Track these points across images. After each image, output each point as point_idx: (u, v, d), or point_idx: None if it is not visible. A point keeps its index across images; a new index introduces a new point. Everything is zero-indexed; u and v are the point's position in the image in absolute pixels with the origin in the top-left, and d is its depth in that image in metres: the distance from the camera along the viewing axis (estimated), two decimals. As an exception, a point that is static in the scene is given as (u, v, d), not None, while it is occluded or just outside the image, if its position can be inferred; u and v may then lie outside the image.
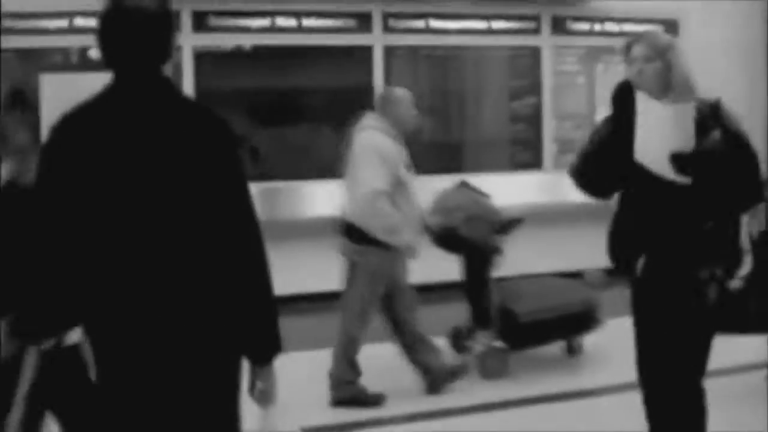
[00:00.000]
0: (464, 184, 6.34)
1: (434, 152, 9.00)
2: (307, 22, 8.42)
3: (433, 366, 5.54)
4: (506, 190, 9.05)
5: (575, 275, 7.12)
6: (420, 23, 8.86)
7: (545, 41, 9.29)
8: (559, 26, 9.34)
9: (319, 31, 8.45)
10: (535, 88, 9.33)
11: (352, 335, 5.38)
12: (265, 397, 2.56)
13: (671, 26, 9.74)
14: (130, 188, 2.37)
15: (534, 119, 9.33)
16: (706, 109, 3.37)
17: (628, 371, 3.80)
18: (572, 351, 6.28)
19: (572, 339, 6.26)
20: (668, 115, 3.33)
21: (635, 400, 3.69)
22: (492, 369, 5.87)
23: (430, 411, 5.31)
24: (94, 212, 2.38)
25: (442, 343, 6.10)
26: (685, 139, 3.26)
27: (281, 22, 8.30)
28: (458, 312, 6.31)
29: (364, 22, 8.61)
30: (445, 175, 8.90)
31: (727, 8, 9.94)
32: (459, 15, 8.98)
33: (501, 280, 6.05)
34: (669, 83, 3.41)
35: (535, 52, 9.25)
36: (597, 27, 9.52)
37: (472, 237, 5.91)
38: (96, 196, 2.38)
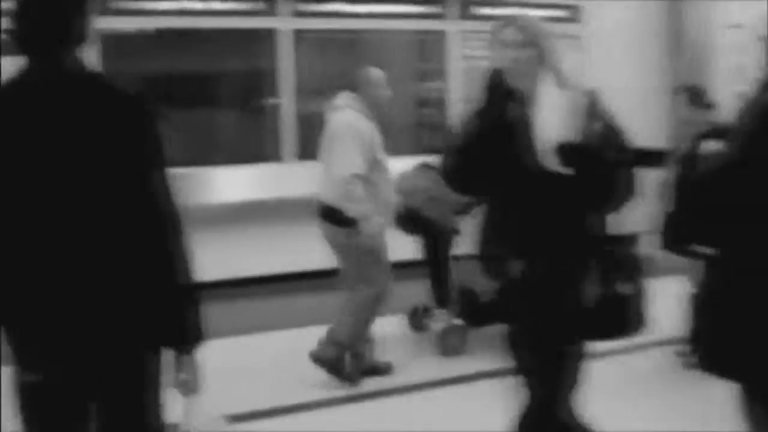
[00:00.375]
0: (425, 166, 6.47)
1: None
2: (213, 4, 8.30)
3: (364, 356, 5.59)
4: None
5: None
6: (328, 7, 8.82)
7: (451, 26, 9.34)
8: (465, 11, 9.40)
9: (226, 14, 8.33)
10: (442, 73, 9.38)
11: (368, 313, 5.46)
12: (187, 387, 2.53)
13: (574, 12, 9.91)
14: (35, 169, 2.34)
15: (440, 103, 9.39)
16: (585, 99, 3.29)
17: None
18: None
19: None
20: (562, 103, 3.23)
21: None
22: (451, 346, 6.06)
23: (393, 387, 5.48)
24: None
25: (400, 320, 6.41)
26: (574, 129, 3.16)
27: (187, 4, 8.16)
28: (416, 291, 6.47)
29: (271, 5, 8.53)
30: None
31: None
32: (366, -1, 8.98)
33: (459, 259, 6.15)
34: (543, 72, 3.28)
35: (441, 37, 9.30)
36: (503, 11, 9.60)
37: (433, 217, 6.03)
38: (1, 177, 2.34)
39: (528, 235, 3.35)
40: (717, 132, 5.16)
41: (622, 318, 3.58)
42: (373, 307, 5.48)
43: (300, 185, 8.65)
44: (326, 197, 5.40)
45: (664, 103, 9.74)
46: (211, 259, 7.76)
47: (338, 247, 5.46)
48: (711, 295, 3.27)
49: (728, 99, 8.63)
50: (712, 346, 3.29)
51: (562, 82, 3.32)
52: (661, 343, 5.78)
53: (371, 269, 5.41)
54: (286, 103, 8.61)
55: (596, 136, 3.16)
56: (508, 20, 3.47)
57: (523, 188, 3.27)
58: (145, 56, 8.14)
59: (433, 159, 6.61)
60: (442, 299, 6.27)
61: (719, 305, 3.23)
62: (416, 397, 5.33)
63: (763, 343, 3.12)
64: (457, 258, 6.19)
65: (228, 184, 8.48)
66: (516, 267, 3.37)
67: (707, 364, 3.33)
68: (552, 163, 3.16)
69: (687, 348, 5.37)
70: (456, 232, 6.13)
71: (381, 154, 5.38)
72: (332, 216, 5.35)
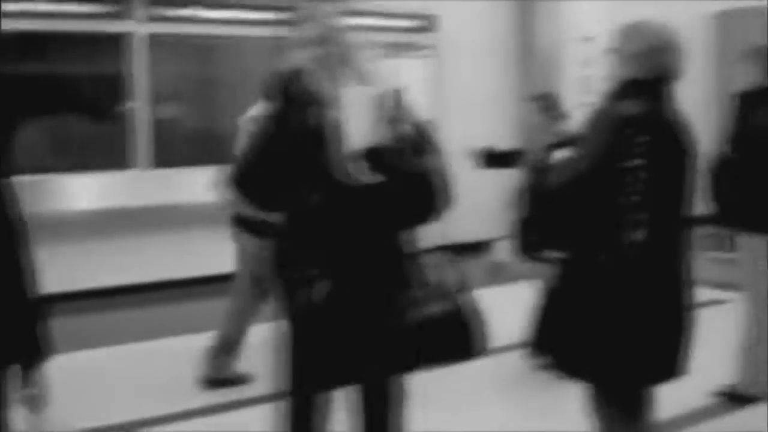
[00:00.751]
0: None
1: (198, 143, 8.86)
2: (65, 7, 8.04)
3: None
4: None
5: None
6: (184, 12, 8.67)
7: (308, 33, 9.32)
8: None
9: (79, 17, 8.09)
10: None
11: None
12: (33, 403, 2.44)
13: (429, 21, 10.04)
14: None
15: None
16: (391, 99, 3.01)
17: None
18: None
19: None
20: (367, 104, 2.91)
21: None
22: None
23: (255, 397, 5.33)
24: None
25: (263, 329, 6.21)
26: (381, 133, 2.88)
27: (38, 6, 7.89)
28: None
29: (126, 9, 8.33)
30: (209, 167, 8.80)
31: (481, 5, 10.35)
32: (223, 4, 8.87)
33: None
34: (345, 69, 2.94)
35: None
36: (357, 20, 9.64)
37: None
38: None
39: (335, 253, 3.06)
40: (567, 142, 5.31)
41: (443, 341, 3.24)
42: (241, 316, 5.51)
43: (155, 193, 8.49)
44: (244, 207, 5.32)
45: (514, 111, 9.98)
46: (62, 270, 7.56)
47: (252, 257, 5.38)
48: (559, 300, 3.36)
49: (576, 109, 8.96)
50: (561, 349, 3.38)
51: (365, 81, 3.00)
52: (512, 347, 5.91)
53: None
54: (141, 108, 8.43)
55: (406, 140, 2.92)
56: (303, 15, 3.24)
57: (329, 200, 2.97)
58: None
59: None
60: None
61: (567, 309, 3.32)
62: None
63: (607, 346, 3.22)
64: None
65: (79, 191, 8.23)
66: (321, 288, 3.02)
67: (558, 367, 3.42)
68: (360, 171, 2.90)
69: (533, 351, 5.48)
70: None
71: None
72: (250, 226, 5.29)
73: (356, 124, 2.85)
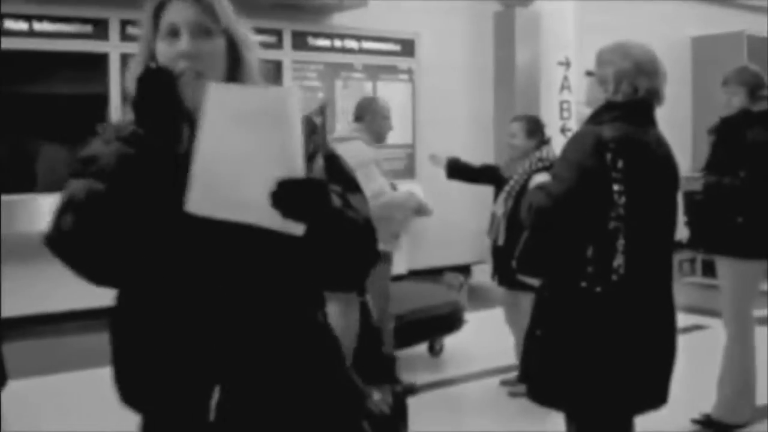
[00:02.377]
0: None
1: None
2: (38, 26, 7.96)
3: None
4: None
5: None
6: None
7: (287, 55, 9.30)
8: (300, 41, 9.38)
9: (55, 36, 8.01)
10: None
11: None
12: None
13: (409, 45, 10.04)
14: None
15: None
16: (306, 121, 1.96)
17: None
18: (434, 351, 6.47)
19: (435, 340, 6.51)
20: (262, 109, 1.73)
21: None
22: None
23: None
24: None
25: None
26: (295, 151, 1.75)
27: (10, 25, 7.79)
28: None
29: (100, 29, 8.25)
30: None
31: (460, 29, 10.36)
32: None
33: None
34: (234, 68, 1.98)
35: (277, 67, 9.23)
36: (337, 43, 9.63)
37: None
38: None
39: (227, 348, 1.94)
40: (549, 167, 5.30)
41: None
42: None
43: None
44: None
45: (493, 134, 9.97)
46: (36, 291, 7.45)
47: None
48: (540, 327, 3.31)
49: (556, 134, 8.96)
50: (541, 377, 3.33)
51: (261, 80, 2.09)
52: (493, 373, 5.86)
53: (378, 295, 5.30)
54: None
55: (319, 172, 1.94)
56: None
57: (194, 267, 1.89)
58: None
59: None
60: None
61: (547, 337, 3.27)
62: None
63: (588, 374, 3.17)
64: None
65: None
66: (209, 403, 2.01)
67: (538, 395, 3.37)
68: (269, 217, 1.75)
69: (513, 377, 5.44)
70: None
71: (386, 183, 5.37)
72: None
73: (252, 142, 1.73)
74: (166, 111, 1.82)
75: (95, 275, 1.90)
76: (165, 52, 1.93)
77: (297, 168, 1.74)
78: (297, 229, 1.76)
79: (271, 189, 1.71)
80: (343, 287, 2.27)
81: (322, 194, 1.78)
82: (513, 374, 5.74)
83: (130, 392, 1.95)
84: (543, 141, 5.58)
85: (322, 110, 2.01)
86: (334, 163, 2.04)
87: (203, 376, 1.89)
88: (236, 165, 1.76)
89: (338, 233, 1.83)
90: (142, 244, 1.83)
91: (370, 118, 5.45)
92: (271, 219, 1.75)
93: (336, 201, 1.83)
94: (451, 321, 6.42)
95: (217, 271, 1.89)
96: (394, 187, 5.31)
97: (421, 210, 5.46)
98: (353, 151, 5.27)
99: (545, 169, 4.71)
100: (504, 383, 5.74)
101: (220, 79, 1.94)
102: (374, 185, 5.11)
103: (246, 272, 1.89)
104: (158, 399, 1.91)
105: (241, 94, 1.81)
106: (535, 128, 5.59)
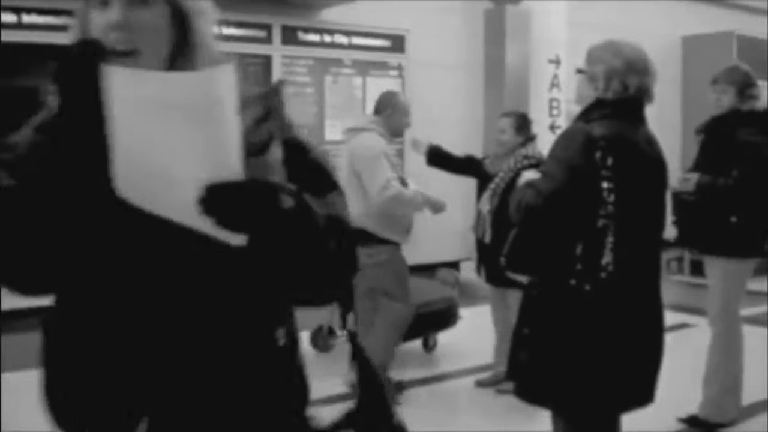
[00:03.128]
0: None
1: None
2: (27, 18, 7.92)
3: None
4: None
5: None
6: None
7: (276, 50, 9.27)
8: (289, 36, 9.36)
9: (42, 29, 7.97)
10: (266, 97, 9.27)
11: (401, 325, 5.45)
12: None
13: (398, 41, 10.03)
14: None
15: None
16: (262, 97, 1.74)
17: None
18: (428, 347, 6.47)
19: (429, 336, 6.54)
20: (181, 98, 1.45)
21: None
22: None
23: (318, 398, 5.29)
24: None
25: (304, 338, 6.33)
26: (227, 147, 1.47)
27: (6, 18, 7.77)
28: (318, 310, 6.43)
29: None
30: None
31: (451, 26, 10.36)
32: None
33: None
34: (181, 44, 1.64)
35: (266, 61, 9.21)
36: (327, 38, 9.62)
37: None
38: None
39: (157, 369, 1.71)
40: (536, 164, 5.29)
41: None
42: (404, 324, 5.46)
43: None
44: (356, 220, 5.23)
45: (482, 130, 9.97)
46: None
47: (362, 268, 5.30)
48: (528, 325, 3.31)
49: (545, 131, 8.96)
50: (529, 375, 3.32)
51: (213, 58, 1.71)
52: (481, 369, 5.86)
53: (396, 285, 5.39)
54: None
55: (273, 165, 1.62)
56: None
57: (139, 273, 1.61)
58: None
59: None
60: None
61: (535, 334, 3.26)
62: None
63: (576, 372, 3.16)
64: None
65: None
66: None
67: (525, 393, 3.36)
68: (199, 221, 1.48)
69: (500, 375, 5.44)
70: None
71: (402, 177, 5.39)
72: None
73: (177, 134, 1.45)
74: (87, 92, 1.46)
75: (12, 281, 1.62)
76: (97, 23, 1.59)
77: (230, 167, 1.44)
78: (235, 239, 1.49)
79: (198, 194, 1.42)
80: (308, 301, 1.77)
81: (263, 199, 1.49)
82: (488, 374, 5.77)
83: (56, 412, 1.67)
84: (529, 138, 5.58)
85: (276, 90, 1.61)
86: (299, 152, 1.70)
87: (129, 404, 1.60)
88: (159, 162, 1.46)
89: (290, 241, 1.53)
90: (62, 246, 1.55)
91: (390, 112, 5.45)
92: (204, 225, 1.47)
93: (288, 202, 1.52)
94: (446, 317, 6.43)
95: (148, 278, 1.58)
96: (403, 182, 5.30)
97: (434, 207, 5.48)
98: (366, 142, 5.28)
99: (531, 166, 4.71)
100: (480, 384, 5.74)
101: (163, 55, 1.61)
102: (381, 178, 5.12)
103: (183, 281, 1.59)
104: (82, 425, 1.64)
105: (152, 80, 1.48)
106: (523, 125, 5.59)
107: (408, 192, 5.24)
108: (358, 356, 2.07)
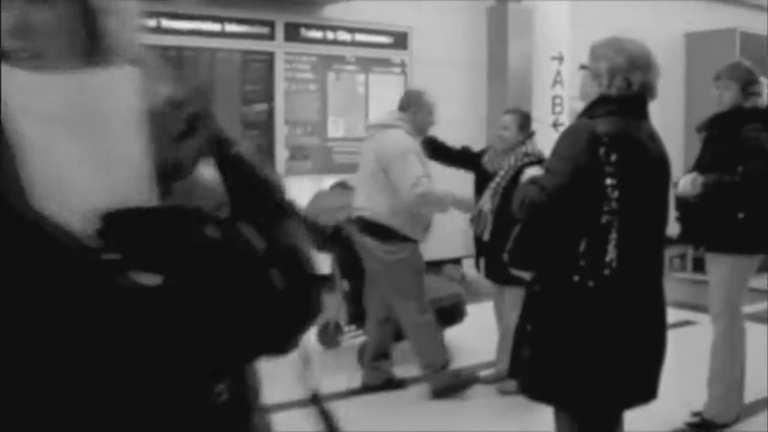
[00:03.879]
0: (342, 185, 6.56)
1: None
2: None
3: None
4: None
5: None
6: (150, 22, 8.57)
7: (279, 47, 9.27)
8: (292, 33, 9.35)
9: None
10: (269, 94, 9.28)
11: (426, 320, 5.47)
12: None
13: (402, 38, 10.02)
14: None
15: (266, 125, 9.29)
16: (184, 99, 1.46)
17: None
18: None
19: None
20: (70, 107, 1.27)
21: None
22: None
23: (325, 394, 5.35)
24: None
25: (310, 334, 6.26)
26: (125, 165, 1.27)
27: None
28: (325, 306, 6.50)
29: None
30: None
31: (454, 23, 10.34)
32: (192, 16, 8.78)
33: None
34: (95, 45, 1.39)
35: (269, 58, 9.21)
36: (330, 35, 9.61)
37: (354, 235, 6.03)
38: None
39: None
40: (537, 161, 5.28)
41: None
42: (429, 318, 5.50)
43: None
44: (371, 213, 5.36)
45: (485, 127, 9.96)
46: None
47: (380, 263, 5.41)
48: (531, 321, 3.31)
49: (547, 128, 8.95)
50: (532, 372, 3.33)
51: (126, 54, 1.45)
52: (480, 367, 5.86)
53: (414, 283, 5.42)
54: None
55: (205, 187, 1.38)
56: None
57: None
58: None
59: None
60: (359, 315, 6.26)
61: (538, 331, 3.26)
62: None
63: (579, 369, 3.16)
64: None
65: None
66: None
67: (528, 390, 3.36)
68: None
69: (502, 372, 5.44)
70: None
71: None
72: (377, 232, 5.33)
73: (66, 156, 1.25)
74: None
75: None
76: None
77: (132, 191, 1.20)
78: (147, 278, 1.22)
79: (94, 223, 1.19)
80: (258, 350, 1.44)
81: (178, 229, 1.24)
82: (491, 371, 5.76)
83: None
84: (529, 135, 5.57)
85: (203, 94, 1.32)
86: (242, 168, 1.46)
87: None
88: (59, 177, 1.22)
89: (214, 279, 1.27)
90: None
91: (416, 110, 5.48)
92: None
93: (213, 233, 1.27)
94: (454, 313, 6.43)
95: (46, 325, 1.25)
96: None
97: (463, 206, 5.50)
98: (394, 139, 5.30)
99: (532, 164, 4.70)
100: (482, 381, 5.73)
101: (72, 57, 1.34)
102: (411, 175, 5.15)
103: (85, 329, 1.25)
104: None
105: (46, 84, 1.25)
106: (526, 123, 5.58)
107: (439, 191, 5.26)
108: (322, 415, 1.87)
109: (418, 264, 5.49)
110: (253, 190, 1.46)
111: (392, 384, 5.70)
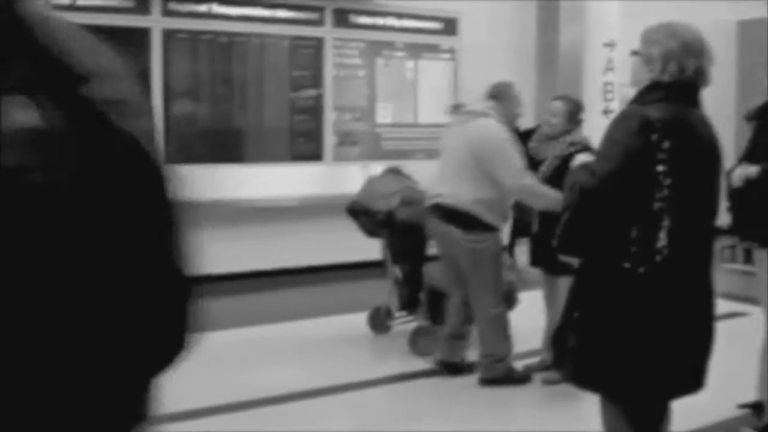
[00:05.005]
0: (395, 170, 6.63)
1: (213, 141, 8.81)
2: (81, 0, 8.01)
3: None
4: (286, 181, 9.01)
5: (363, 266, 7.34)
6: (202, 8, 8.63)
7: (328, 33, 9.28)
8: (341, 18, 9.36)
9: (94, 11, 8.05)
10: (317, 80, 9.30)
11: (499, 311, 5.50)
12: None
13: (450, 24, 9.98)
14: None
15: (315, 110, 9.31)
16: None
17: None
18: None
19: None
20: None
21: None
22: (423, 346, 6.09)
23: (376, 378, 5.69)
24: None
25: (362, 320, 6.74)
26: None
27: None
28: (373, 291, 6.93)
29: (142, 3, 8.29)
30: (225, 165, 8.76)
31: (503, 9, 10.28)
32: (242, 1, 8.82)
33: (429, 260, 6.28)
34: None
35: (318, 44, 9.22)
36: (379, 21, 9.60)
37: (410, 220, 6.05)
38: None
39: None
40: (585, 149, 5.22)
41: None
42: (501, 309, 5.55)
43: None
44: (455, 200, 5.37)
45: (531, 118, 9.89)
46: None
47: (462, 251, 5.43)
48: (579, 308, 3.28)
49: (597, 116, 8.87)
50: (574, 359, 3.30)
51: None
52: (527, 355, 5.83)
53: (492, 273, 5.45)
54: (155, 105, 8.38)
55: None
56: None
57: None
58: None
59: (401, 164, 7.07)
60: (411, 301, 6.31)
61: (587, 319, 3.24)
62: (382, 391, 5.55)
63: (629, 357, 3.14)
64: (427, 259, 6.26)
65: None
66: None
67: (576, 378, 3.34)
68: None
69: (547, 360, 5.41)
70: (429, 234, 6.17)
71: None
72: (460, 219, 5.35)
73: None
74: None
75: None
76: None
77: None
78: None
79: None
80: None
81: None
82: (536, 359, 5.74)
83: None
84: (576, 123, 5.51)
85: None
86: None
87: None
88: None
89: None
90: None
91: (507, 101, 5.53)
92: None
93: None
94: (506, 300, 6.42)
95: None
96: None
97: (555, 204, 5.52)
98: (492, 129, 5.35)
99: (578, 152, 4.65)
100: (527, 369, 5.70)
101: None
102: (516, 164, 5.21)
103: None
104: None
105: None
106: (575, 111, 5.52)
107: (544, 188, 5.23)
108: None
109: (497, 250, 5.52)
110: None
111: (462, 367, 5.72)
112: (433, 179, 5.65)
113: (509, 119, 5.52)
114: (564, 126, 5.43)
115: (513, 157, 5.25)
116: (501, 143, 5.28)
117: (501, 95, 5.53)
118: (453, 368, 5.68)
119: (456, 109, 5.81)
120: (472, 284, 5.47)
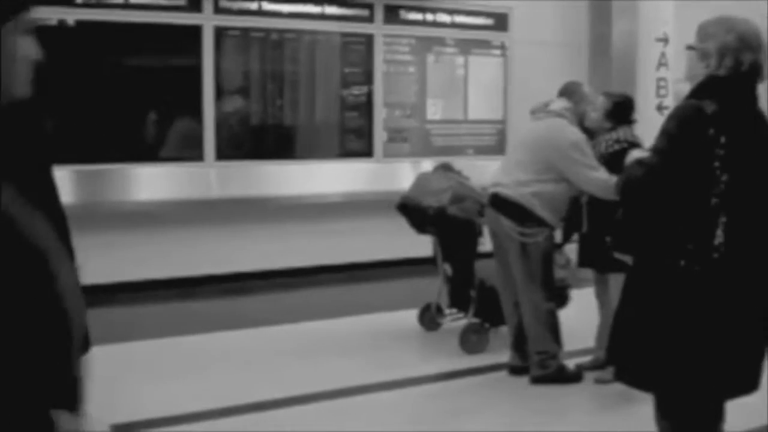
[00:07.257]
0: (446, 167, 6.61)
1: (265, 137, 8.85)
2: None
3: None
4: (337, 177, 9.01)
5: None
6: (252, 5, 8.66)
7: (378, 29, 9.27)
8: (392, 15, 9.34)
9: (147, 9, 8.12)
10: (367, 76, 9.29)
11: (549, 308, 5.47)
12: None
13: (501, 20, 9.92)
14: None
15: (365, 107, 9.30)
16: None
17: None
18: None
19: None
20: None
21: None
22: (473, 344, 6.11)
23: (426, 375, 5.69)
24: None
25: (412, 317, 6.74)
26: None
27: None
28: (423, 288, 6.93)
29: (194, 1, 8.34)
30: (276, 161, 8.79)
31: (554, 4, 10.19)
32: (291, -1, 8.85)
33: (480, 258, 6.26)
34: None
35: (368, 40, 9.22)
36: (429, 17, 9.57)
37: (462, 217, 6.04)
38: None
39: None
40: (626, 148, 5.14)
41: None
42: (552, 306, 5.52)
43: (222, 185, 8.51)
44: (512, 192, 5.36)
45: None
46: (127, 259, 7.62)
47: (514, 244, 5.42)
48: (633, 306, 3.24)
49: (651, 112, 8.77)
50: (627, 358, 3.26)
51: None
52: (579, 354, 5.78)
53: (543, 268, 5.42)
54: (207, 101, 8.43)
55: None
56: None
57: None
58: (62, 49, 7.85)
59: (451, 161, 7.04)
60: (461, 298, 6.29)
61: (642, 317, 3.19)
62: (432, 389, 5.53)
63: (684, 356, 3.09)
64: (479, 256, 6.24)
65: (148, 181, 8.28)
66: None
67: (630, 377, 3.30)
68: None
69: (600, 359, 5.36)
70: (480, 231, 6.14)
71: None
72: (514, 211, 5.34)
73: None
74: None
75: None
76: None
77: None
78: None
79: None
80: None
81: None
82: (589, 358, 5.68)
83: None
84: (621, 122, 5.41)
85: None
86: None
87: None
88: None
89: None
90: None
91: (578, 100, 5.50)
92: None
93: None
94: (560, 298, 6.37)
95: None
96: None
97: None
98: (566, 129, 5.36)
99: (624, 150, 4.57)
100: (580, 368, 5.63)
101: None
102: (592, 162, 5.17)
103: None
104: None
105: None
106: (615, 111, 5.41)
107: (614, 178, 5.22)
108: None
109: (550, 250, 5.46)
110: None
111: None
112: (496, 171, 5.62)
113: (579, 119, 5.48)
114: (600, 123, 5.38)
115: (587, 153, 5.22)
116: (574, 143, 5.24)
117: (571, 95, 5.51)
118: (522, 372, 5.59)
119: (538, 108, 5.71)
120: (520, 279, 5.42)
